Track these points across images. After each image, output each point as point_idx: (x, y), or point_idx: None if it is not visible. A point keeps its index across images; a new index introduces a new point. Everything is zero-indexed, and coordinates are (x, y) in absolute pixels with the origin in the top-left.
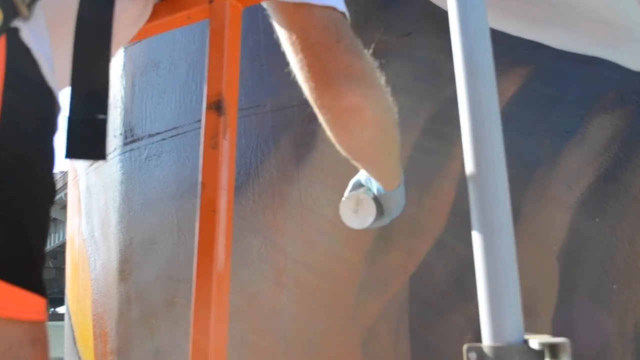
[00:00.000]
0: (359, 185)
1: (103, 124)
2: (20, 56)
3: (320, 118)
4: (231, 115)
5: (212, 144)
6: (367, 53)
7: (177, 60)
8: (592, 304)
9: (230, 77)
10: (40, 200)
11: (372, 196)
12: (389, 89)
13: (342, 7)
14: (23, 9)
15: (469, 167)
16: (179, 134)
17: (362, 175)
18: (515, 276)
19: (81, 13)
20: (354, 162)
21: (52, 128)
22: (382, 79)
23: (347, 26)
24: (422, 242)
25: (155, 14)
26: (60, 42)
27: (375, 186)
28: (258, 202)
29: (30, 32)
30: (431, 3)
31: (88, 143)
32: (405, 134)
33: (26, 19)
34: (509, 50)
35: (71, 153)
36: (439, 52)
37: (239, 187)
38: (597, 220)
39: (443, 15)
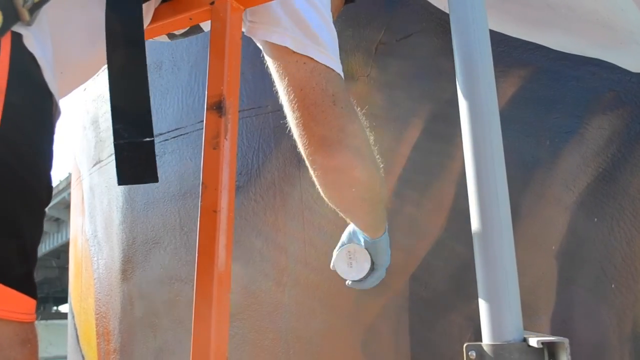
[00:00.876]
0: (347, 240)
1: (150, 146)
2: (24, 62)
3: (311, 172)
4: (232, 116)
5: (214, 144)
6: (359, 113)
7: (180, 62)
8: (590, 303)
9: (231, 78)
10: (37, 200)
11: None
12: (376, 147)
13: (339, 69)
14: (24, 13)
15: (469, 167)
16: (181, 135)
17: (345, 233)
18: (514, 276)
19: (110, 28)
20: (340, 214)
21: (52, 130)
22: (371, 138)
23: (342, 88)
24: (422, 242)
25: (157, 16)
26: (62, 48)
27: (361, 238)
28: (259, 202)
29: (34, 39)
30: (431, 5)
31: (138, 167)
32: (405, 135)
33: (29, 24)
34: (508, 52)
35: (123, 179)
36: (439, 53)
37: (241, 187)
38: (595, 220)
39: (443, 17)
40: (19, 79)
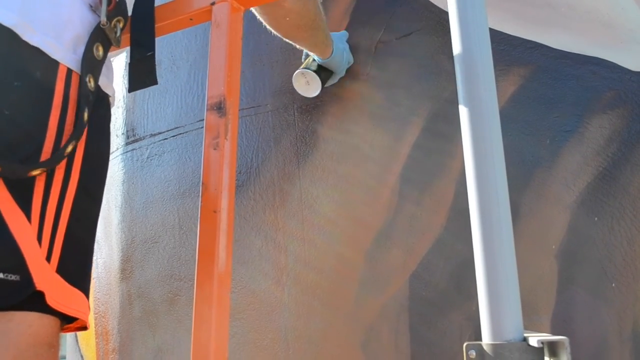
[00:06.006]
0: (307, 55)
1: (152, 58)
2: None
3: (252, 10)
4: (232, 116)
5: (214, 144)
6: None
7: (179, 60)
8: (590, 302)
9: (231, 78)
10: (96, 222)
11: (315, 68)
12: None
13: None
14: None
15: (469, 166)
16: (180, 134)
17: (304, 54)
18: (514, 275)
19: None
20: (285, 40)
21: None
22: None
23: None
24: (422, 241)
25: (158, 17)
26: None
27: (316, 58)
28: (259, 201)
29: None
30: (431, 3)
31: (144, 75)
32: (405, 133)
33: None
34: (508, 50)
35: (132, 87)
36: (439, 52)
37: (240, 186)
38: (595, 219)
39: (443, 15)
40: None
